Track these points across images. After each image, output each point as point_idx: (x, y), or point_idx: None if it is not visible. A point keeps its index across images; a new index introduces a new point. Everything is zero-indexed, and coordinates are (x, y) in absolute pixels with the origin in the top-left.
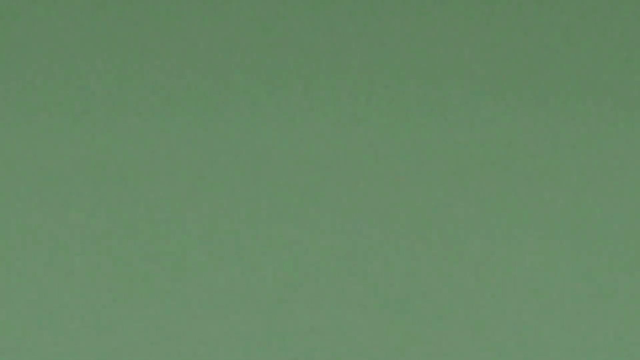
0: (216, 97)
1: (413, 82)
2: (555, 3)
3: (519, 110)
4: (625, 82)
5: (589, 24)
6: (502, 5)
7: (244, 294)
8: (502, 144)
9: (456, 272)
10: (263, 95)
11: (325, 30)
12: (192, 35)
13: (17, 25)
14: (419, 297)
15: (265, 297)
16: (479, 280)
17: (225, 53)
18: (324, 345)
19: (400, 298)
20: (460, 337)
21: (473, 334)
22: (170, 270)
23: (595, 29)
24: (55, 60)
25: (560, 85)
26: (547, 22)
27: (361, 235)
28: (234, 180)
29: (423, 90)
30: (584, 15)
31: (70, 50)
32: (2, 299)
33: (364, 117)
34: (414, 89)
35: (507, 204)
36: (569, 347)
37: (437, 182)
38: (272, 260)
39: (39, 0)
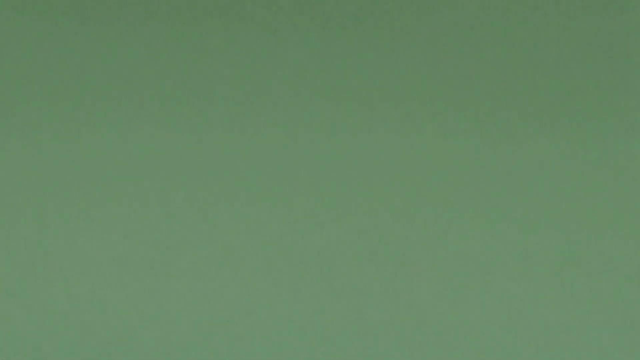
0: (216, 99)
1: (412, 85)
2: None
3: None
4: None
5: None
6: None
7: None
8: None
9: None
10: (261, 97)
11: (324, 34)
12: (192, 38)
13: (16, 26)
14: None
15: (267, 294)
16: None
17: (225, 54)
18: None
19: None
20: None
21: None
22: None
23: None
24: (55, 61)
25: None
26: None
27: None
28: (233, 181)
29: (420, 94)
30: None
31: (70, 51)
32: (4, 296)
33: (361, 121)
34: (411, 93)
35: (500, 204)
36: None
37: (435, 184)
38: (271, 259)
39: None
